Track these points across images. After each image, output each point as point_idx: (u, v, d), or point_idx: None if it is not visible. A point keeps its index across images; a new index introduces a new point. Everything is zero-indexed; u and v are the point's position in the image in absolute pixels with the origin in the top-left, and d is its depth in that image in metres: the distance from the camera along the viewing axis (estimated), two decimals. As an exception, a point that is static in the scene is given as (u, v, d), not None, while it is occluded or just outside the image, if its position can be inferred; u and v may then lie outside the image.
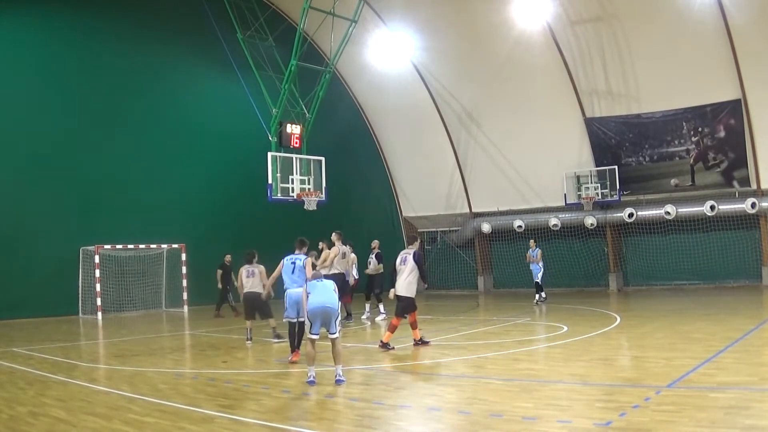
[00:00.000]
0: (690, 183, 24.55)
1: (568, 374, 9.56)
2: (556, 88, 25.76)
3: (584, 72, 25.27)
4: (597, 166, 25.85)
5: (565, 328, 14.65)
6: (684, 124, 24.26)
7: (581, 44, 24.89)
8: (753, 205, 23.06)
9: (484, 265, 29.71)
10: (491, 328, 15.86)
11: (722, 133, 23.84)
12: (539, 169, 27.05)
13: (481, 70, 27.00)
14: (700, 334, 12.94)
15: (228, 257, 20.91)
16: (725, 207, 23.70)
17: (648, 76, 24.18)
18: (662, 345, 11.72)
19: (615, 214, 25.59)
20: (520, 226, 27.61)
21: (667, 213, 24.20)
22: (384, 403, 8.03)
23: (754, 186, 23.64)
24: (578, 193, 25.93)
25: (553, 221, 26.88)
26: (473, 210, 29.87)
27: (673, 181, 24.87)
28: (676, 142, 24.52)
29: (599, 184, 25.48)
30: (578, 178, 26.10)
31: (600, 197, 25.47)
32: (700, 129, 24.04)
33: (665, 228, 24.71)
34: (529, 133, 26.86)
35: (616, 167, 25.25)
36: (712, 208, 23.57)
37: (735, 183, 23.90)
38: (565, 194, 26.14)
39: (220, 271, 20.74)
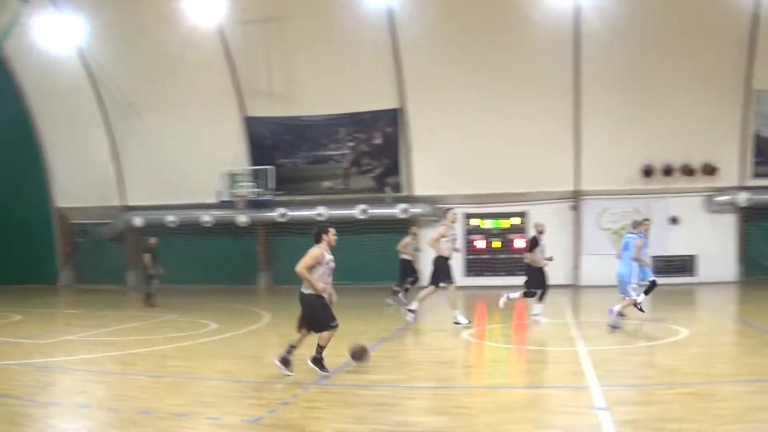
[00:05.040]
0: (343, 186, 25.82)
1: (217, 371, 9.64)
2: (219, 84, 25.93)
3: (249, 71, 25.80)
4: (253, 165, 26.19)
5: (215, 326, 14.67)
6: (342, 129, 25.53)
7: (249, 44, 25.35)
8: (405, 211, 24.91)
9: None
10: (140, 324, 15.59)
11: (379, 140, 25.52)
12: (196, 164, 26.83)
13: (146, 61, 26.23)
14: (350, 333, 13.27)
15: (153, 239, 19.91)
16: (377, 211, 25.29)
17: (311, 81, 25.25)
18: (311, 342, 11.92)
19: (267, 214, 26.10)
20: (173, 222, 26.68)
21: (319, 214, 25.14)
22: (35, 400, 7.76)
23: (406, 192, 25.62)
24: (232, 191, 25.86)
25: (206, 218, 26.49)
26: (127, 203, 28.35)
27: (326, 184, 25.95)
28: (333, 146, 25.87)
29: (254, 183, 25.78)
30: (233, 176, 26.16)
31: (254, 196, 25.67)
32: (357, 135, 25.45)
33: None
34: (188, 127, 26.63)
35: (271, 167, 25.94)
36: (364, 211, 24.97)
37: (388, 188, 25.65)
38: (219, 191, 26.02)
39: (148, 255, 19.17)
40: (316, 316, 9.32)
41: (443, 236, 14.43)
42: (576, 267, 25.12)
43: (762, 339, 12.56)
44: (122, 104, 27.38)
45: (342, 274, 24.86)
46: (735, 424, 7.01)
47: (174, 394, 8.04)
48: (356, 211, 25.31)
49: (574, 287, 24.47)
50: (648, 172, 24.90)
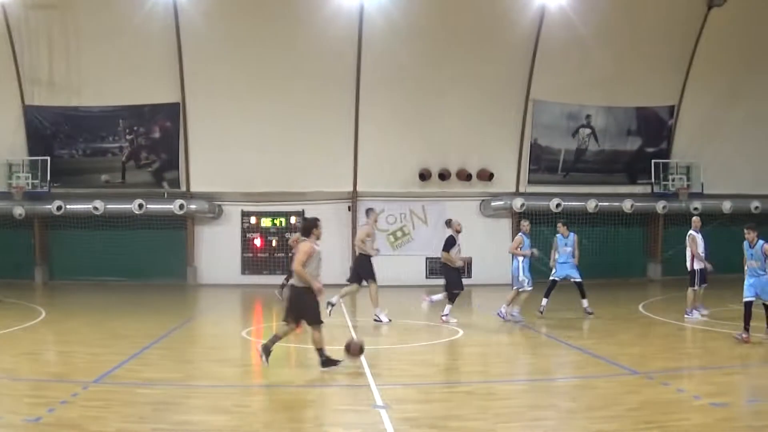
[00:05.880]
0: (121, 180, 25.27)
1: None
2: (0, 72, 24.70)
3: (31, 59, 24.61)
4: (31, 155, 25.17)
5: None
6: (121, 121, 25.03)
7: (32, 30, 24.22)
8: (181, 207, 24.53)
9: None
10: None
11: (157, 134, 25.12)
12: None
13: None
14: (127, 331, 13.47)
15: None
16: (154, 207, 24.89)
17: (93, 71, 24.37)
18: (89, 340, 12.10)
19: (44, 206, 25.15)
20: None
21: (96, 208, 24.50)
22: None
23: (183, 188, 25.24)
24: (9, 182, 24.85)
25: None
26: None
27: (103, 177, 25.40)
28: (111, 138, 25.25)
29: (30, 174, 24.86)
30: (10, 166, 25.20)
31: (30, 188, 24.78)
32: (135, 128, 25.01)
33: (94, 223, 25.03)
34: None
35: (48, 158, 24.93)
36: (141, 206, 24.50)
37: (165, 184, 25.23)
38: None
39: None
40: (307, 311, 9.61)
41: (369, 236, 15.15)
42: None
43: (538, 340, 13.13)
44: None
45: (118, 271, 24.87)
46: (514, 422, 7.28)
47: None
48: (133, 206, 24.72)
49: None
50: (424, 176, 25.28)
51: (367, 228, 15.53)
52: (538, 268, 17.11)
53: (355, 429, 7.10)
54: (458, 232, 15.20)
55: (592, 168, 26.63)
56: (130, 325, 14.36)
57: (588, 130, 26.29)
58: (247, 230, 25.47)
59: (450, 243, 15.00)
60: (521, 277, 14.93)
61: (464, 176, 25.43)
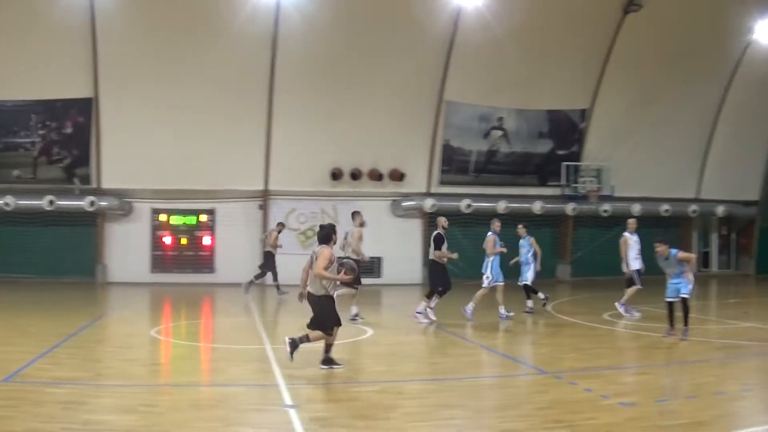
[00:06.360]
0: (32, 176, 25.17)
1: None
2: None
3: None
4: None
5: None
6: (33, 116, 24.88)
7: None
8: (92, 203, 24.51)
9: None
10: None
11: (70, 130, 25.02)
12: None
13: None
14: (35, 329, 13.37)
15: None
16: (65, 203, 24.82)
17: (5, 64, 24.04)
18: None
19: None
20: None
21: (7, 204, 24.37)
22: None
23: (95, 185, 25.23)
24: None
25: None
26: None
27: (15, 173, 25.26)
28: (23, 133, 25.05)
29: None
30: None
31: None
32: (48, 123, 24.87)
33: (4, 219, 24.82)
34: None
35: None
36: (51, 202, 24.44)
37: (76, 180, 25.19)
38: None
39: None
40: (322, 316, 9.68)
41: (361, 238, 15.62)
42: (262, 266, 25.36)
43: (448, 339, 13.15)
44: None
45: (27, 268, 24.75)
46: (423, 421, 7.33)
47: None
48: (44, 202, 24.64)
49: (260, 285, 24.58)
50: (336, 175, 25.50)
51: (361, 230, 15.83)
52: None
53: (264, 429, 7.12)
54: (445, 228, 15.30)
55: (503, 169, 27.09)
56: (40, 323, 14.29)
57: (500, 132, 26.73)
58: (156, 228, 25.47)
59: (439, 241, 15.10)
60: (488, 274, 15.34)
61: (376, 176, 25.72)
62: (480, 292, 15.46)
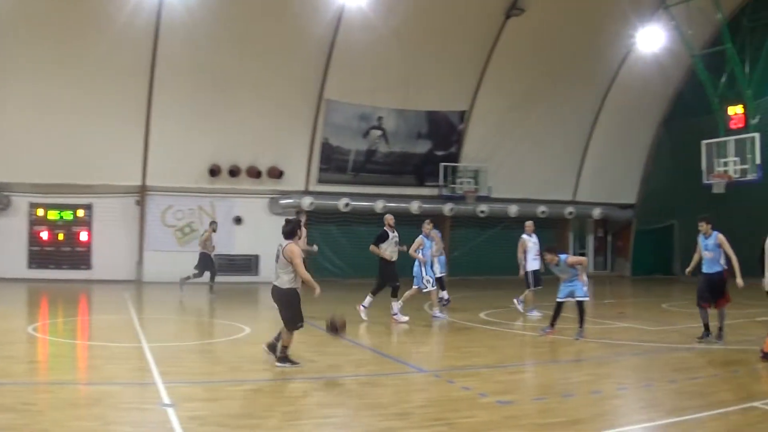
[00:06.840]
0: None
1: None
2: None
3: None
4: None
5: None
6: None
7: None
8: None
9: None
10: None
11: None
12: None
13: None
14: None
15: None
16: None
17: None
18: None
19: None
20: None
21: None
22: None
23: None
24: None
25: None
26: None
27: None
28: None
29: None
30: None
31: None
32: None
33: None
34: None
35: None
36: None
37: None
38: None
39: None
40: (289, 312, 9.69)
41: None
42: (139, 262, 25.56)
43: (326, 338, 12.09)
44: None
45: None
46: (302, 420, 7.39)
47: None
48: None
49: (137, 282, 24.92)
50: (214, 172, 25.81)
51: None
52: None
53: (143, 427, 7.01)
54: (391, 227, 15.36)
55: (381, 169, 27.74)
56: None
57: (379, 132, 27.33)
58: (34, 223, 25.45)
59: (379, 237, 15.21)
60: (425, 276, 15.29)
61: (254, 173, 26.12)
62: (414, 293, 15.51)
